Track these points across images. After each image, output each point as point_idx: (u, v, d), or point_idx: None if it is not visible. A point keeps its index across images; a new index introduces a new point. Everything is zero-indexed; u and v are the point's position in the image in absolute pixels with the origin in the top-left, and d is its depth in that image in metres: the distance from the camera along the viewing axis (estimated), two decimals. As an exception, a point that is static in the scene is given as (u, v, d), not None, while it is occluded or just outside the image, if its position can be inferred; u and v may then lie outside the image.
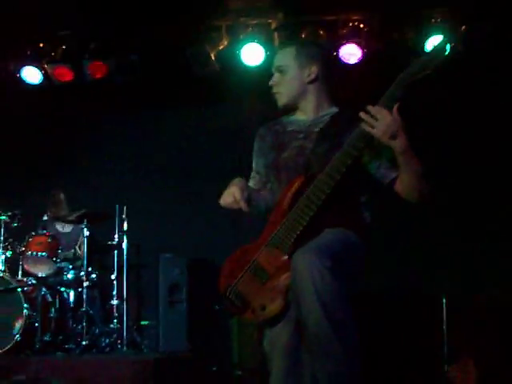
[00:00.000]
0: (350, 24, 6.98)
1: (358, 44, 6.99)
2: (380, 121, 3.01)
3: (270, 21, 7.26)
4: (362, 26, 6.95)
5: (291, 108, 3.54)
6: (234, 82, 7.52)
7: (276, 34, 7.26)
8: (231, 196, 3.31)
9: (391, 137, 3.02)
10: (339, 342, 2.91)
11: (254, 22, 7.26)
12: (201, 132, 7.74)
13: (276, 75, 3.50)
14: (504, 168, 6.91)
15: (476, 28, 6.34)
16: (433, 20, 6.56)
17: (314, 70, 3.45)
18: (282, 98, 3.50)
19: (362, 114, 3.04)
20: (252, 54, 7.25)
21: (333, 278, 2.91)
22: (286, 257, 3.16)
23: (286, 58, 3.48)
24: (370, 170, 3.31)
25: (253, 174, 3.67)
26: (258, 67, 7.29)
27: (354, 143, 3.11)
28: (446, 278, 6.59)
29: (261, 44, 7.19)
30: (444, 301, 6.29)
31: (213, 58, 7.38)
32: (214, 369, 6.44)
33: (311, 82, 3.46)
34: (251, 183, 3.64)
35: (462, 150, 6.97)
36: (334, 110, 3.50)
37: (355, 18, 6.94)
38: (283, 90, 3.48)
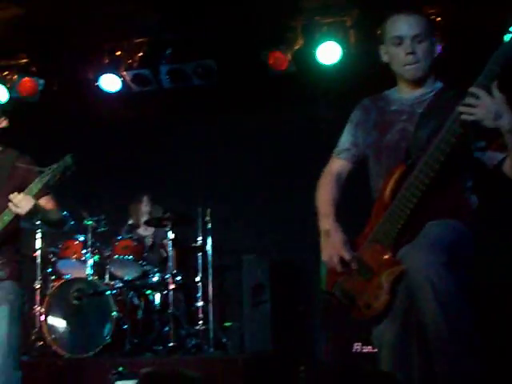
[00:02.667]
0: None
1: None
2: (479, 105, 2.87)
3: (345, 18, 7.18)
4: (438, 19, 6.78)
5: (418, 82, 3.28)
6: (311, 82, 7.50)
7: (352, 32, 7.20)
8: (338, 257, 3.20)
9: (495, 118, 2.87)
10: (457, 342, 2.86)
11: (330, 20, 7.19)
12: (280, 132, 7.72)
13: (412, 44, 3.16)
14: None
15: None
16: None
17: (436, 42, 3.24)
18: (419, 71, 3.23)
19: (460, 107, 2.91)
20: (328, 53, 7.18)
21: (449, 274, 2.85)
22: (389, 253, 3.10)
23: (420, 25, 3.16)
24: (475, 153, 3.16)
25: (348, 145, 3.45)
26: (334, 66, 7.23)
27: (454, 130, 2.97)
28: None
29: (337, 42, 7.12)
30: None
31: (289, 58, 7.37)
32: (302, 368, 6.42)
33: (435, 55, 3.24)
34: (344, 155, 3.45)
35: None
36: (438, 85, 3.31)
37: (431, 11, 6.79)
38: (422, 59, 3.19)
